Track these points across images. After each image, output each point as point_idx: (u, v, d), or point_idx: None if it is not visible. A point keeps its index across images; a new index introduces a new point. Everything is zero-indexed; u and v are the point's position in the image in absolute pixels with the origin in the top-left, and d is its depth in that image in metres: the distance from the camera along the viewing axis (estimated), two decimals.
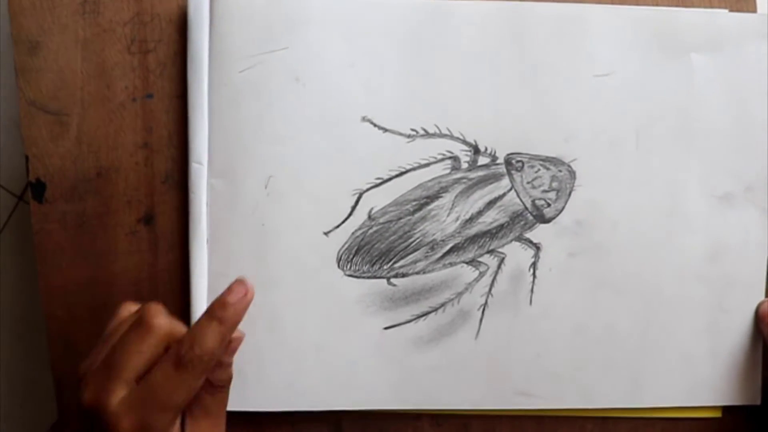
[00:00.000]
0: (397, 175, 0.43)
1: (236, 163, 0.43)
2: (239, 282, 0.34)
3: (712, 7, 0.45)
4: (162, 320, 0.33)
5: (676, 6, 0.45)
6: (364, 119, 0.43)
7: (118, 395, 0.32)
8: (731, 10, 0.45)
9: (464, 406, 0.44)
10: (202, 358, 0.32)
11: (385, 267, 0.43)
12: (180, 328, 0.34)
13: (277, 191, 0.43)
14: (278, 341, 0.43)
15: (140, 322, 0.33)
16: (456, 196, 0.43)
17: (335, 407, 0.44)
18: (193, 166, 0.43)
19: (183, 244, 0.44)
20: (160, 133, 0.44)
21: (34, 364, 0.48)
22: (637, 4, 0.45)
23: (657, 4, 0.45)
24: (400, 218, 0.43)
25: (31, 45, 0.43)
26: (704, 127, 0.44)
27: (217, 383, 0.36)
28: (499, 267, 0.44)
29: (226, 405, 0.37)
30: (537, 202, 0.44)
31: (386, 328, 0.44)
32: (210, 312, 0.33)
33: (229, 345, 0.35)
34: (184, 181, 0.44)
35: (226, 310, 0.33)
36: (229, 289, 0.34)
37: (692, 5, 0.45)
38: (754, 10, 0.45)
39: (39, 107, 0.43)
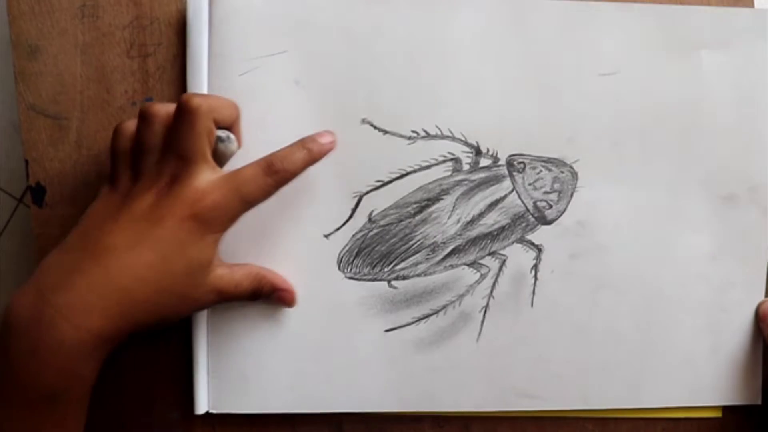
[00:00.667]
0: (397, 178, 0.43)
1: (236, 166, 0.41)
2: (328, 131, 0.40)
3: (710, 4, 0.45)
4: (200, 99, 0.37)
5: (680, 4, 0.44)
6: (364, 121, 0.43)
7: (207, 175, 0.37)
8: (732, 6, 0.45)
9: (465, 408, 0.44)
10: (286, 172, 0.38)
11: (385, 269, 0.43)
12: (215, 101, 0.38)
13: (277, 194, 0.41)
14: (279, 343, 0.43)
15: (186, 109, 0.36)
16: (457, 198, 0.43)
17: (336, 409, 0.44)
18: None
19: None
20: None
21: None
22: (643, 1, 0.44)
23: (663, 2, 0.44)
24: (401, 221, 0.43)
25: (31, 49, 0.43)
26: (710, 127, 0.44)
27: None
28: (500, 269, 0.44)
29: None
30: (539, 203, 0.43)
31: (387, 331, 0.43)
32: (302, 141, 0.39)
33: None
34: None
35: (314, 143, 0.39)
36: (320, 133, 0.40)
37: (698, 2, 0.45)
38: (751, 5, 0.45)
39: (39, 111, 0.43)
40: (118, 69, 0.43)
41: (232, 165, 0.40)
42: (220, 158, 0.40)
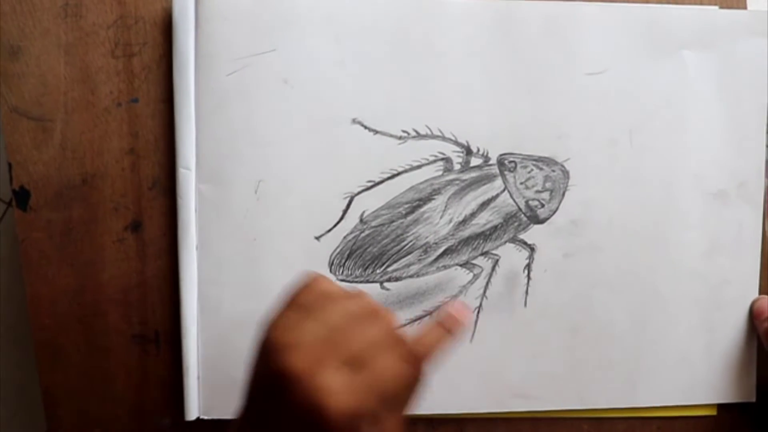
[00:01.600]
0: (388, 178, 0.43)
1: (225, 168, 0.42)
2: (467, 306, 0.39)
3: (702, 4, 0.45)
4: (393, 317, 0.32)
5: (667, 3, 0.45)
6: (354, 121, 0.42)
7: (334, 374, 0.29)
8: (721, 7, 0.45)
9: (460, 409, 0.44)
10: (427, 355, 0.32)
11: (378, 271, 0.43)
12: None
13: (267, 196, 0.42)
14: None
15: (374, 313, 0.31)
16: (449, 198, 0.43)
17: None
18: (181, 172, 0.42)
19: (172, 251, 0.43)
20: (146, 138, 0.43)
21: (25, 372, 0.47)
22: (628, 1, 0.44)
23: (648, 2, 0.45)
24: (393, 221, 0.43)
25: (12, 50, 0.42)
26: (698, 124, 0.44)
27: None
28: (493, 269, 0.44)
29: None
30: (531, 202, 0.43)
31: None
32: (442, 321, 0.34)
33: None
34: (172, 186, 0.43)
35: (456, 325, 0.34)
36: (460, 309, 0.35)
37: (683, 2, 0.45)
38: (744, 7, 0.45)
39: (21, 113, 0.42)
40: (102, 69, 0.43)
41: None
42: None
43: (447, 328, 0.34)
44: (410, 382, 0.31)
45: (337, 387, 0.28)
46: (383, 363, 0.30)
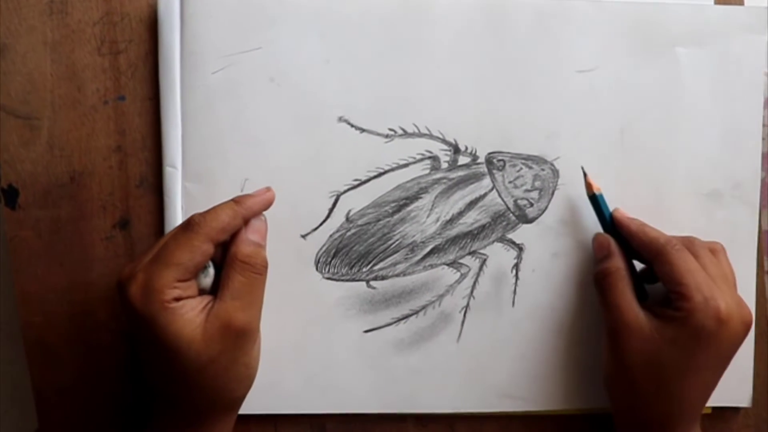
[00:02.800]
0: (375, 176, 0.42)
1: (211, 167, 0.42)
2: (265, 188, 0.39)
3: None
4: (210, 221, 0.36)
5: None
6: (340, 119, 0.42)
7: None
8: (717, 3, 0.44)
9: (447, 409, 0.44)
10: (207, 223, 0.36)
11: (364, 269, 0.43)
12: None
13: None
14: (261, 340, 0.41)
15: (188, 222, 0.36)
16: (436, 197, 0.43)
17: (317, 410, 0.44)
18: (167, 170, 0.42)
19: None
20: (133, 136, 0.43)
21: (15, 370, 0.48)
22: None
23: None
24: (379, 220, 0.43)
25: None
26: (691, 123, 0.44)
27: (245, 260, 0.37)
28: (480, 268, 0.43)
29: (258, 292, 0.38)
30: (519, 201, 0.43)
31: (366, 332, 0.43)
32: (232, 199, 0.38)
33: (248, 224, 0.38)
34: (159, 184, 0.43)
35: (245, 197, 0.38)
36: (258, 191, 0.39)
37: None
38: (741, 3, 0.44)
39: (8, 112, 0.42)
40: (89, 67, 0.43)
41: None
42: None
43: (235, 199, 0.38)
44: (194, 246, 0.36)
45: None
46: (167, 237, 0.37)
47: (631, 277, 0.40)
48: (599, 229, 0.42)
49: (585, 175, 0.41)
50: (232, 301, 0.36)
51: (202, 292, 0.37)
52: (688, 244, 0.40)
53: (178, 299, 0.35)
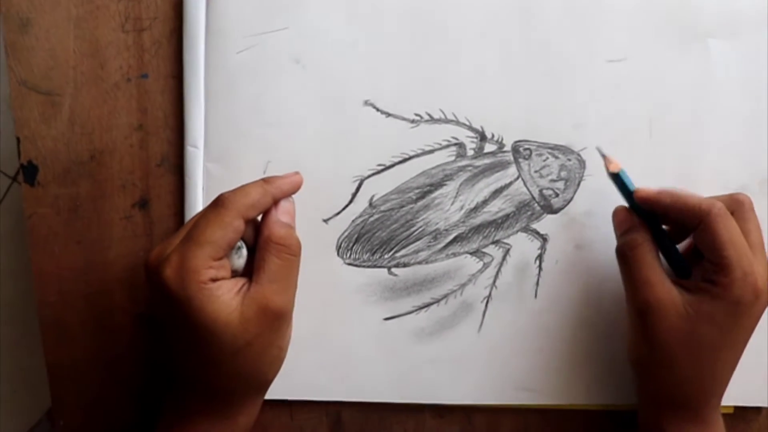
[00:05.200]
0: (399, 162, 0.42)
1: (233, 148, 0.42)
2: (293, 171, 0.39)
3: None
4: (239, 198, 0.35)
5: None
6: (366, 103, 0.42)
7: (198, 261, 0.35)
8: None
9: (465, 401, 0.43)
10: (238, 199, 0.35)
11: (386, 256, 0.42)
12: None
13: None
14: None
15: (217, 200, 0.36)
16: (461, 185, 0.42)
17: (333, 397, 0.43)
18: (189, 150, 0.42)
19: (179, 229, 0.42)
20: (155, 114, 0.43)
21: (27, 350, 0.47)
22: None
23: None
24: (403, 206, 0.42)
25: (22, 22, 0.41)
26: (720, 116, 0.43)
27: (280, 241, 0.36)
28: (504, 258, 0.43)
29: (294, 274, 0.37)
30: (545, 191, 0.42)
31: (386, 319, 0.43)
32: (262, 178, 0.38)
33: (278, 205, 0.37)
34: (180, 164, 0.42)
35: (274, 177, 0.38)
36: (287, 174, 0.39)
37: None
38: None
39: (30, 87, 0.42)
40: (112, 44, 0.42)
41: None
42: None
43: (264, 179, 0.37)
44: (225, 223, 0.35)
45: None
46: (198, 215, 0.37)
47: (657, 252, 0.38)
48: None
49: (603, 155, 0.39)
50: (270, 284, 0.36)
51: (234, 273, 0.37)
52: (735, 205, 0.38)
53: (214, 280, 0.35)
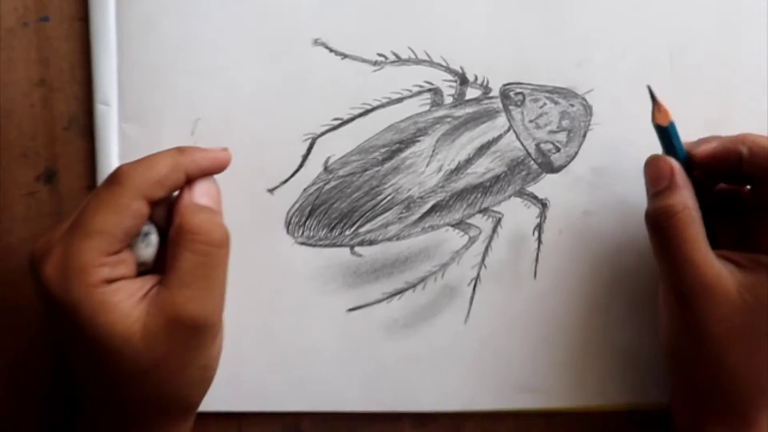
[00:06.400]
0: (360, 115, 0.38)
1: (153, 103, 0.37)
2: (220, 147, 0.33)
3: None
4: (142, 171, 0.30)
5: None
6: (316, 42, 0.37)
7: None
8: None
9: (452, 407, 0.39)
10: (139, 173, 0.30)
11: (347, 232, 0.38)
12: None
13: (207, 137, 0.37)
14: None
15: (113, 175, 0.30)
16: (438, 140, 0.38)
17: (290, 407, 0.39)
18: (100, 108, 0.37)
19: None
20: (59, 66, 0.38)
21: None
22: None
23: None
24: (366, 170, 0.38)
25: None
26: (754, 49, 0.39)
27: (196, 230, 0.31)
28: (494, 230, 0.39)
29: (217, 274, 0.31)
30: (543, 145, 0.38)
31: (351, 310, 0.39)
32: (175, 147, 0.32)
33: (194, 185, 0.32)
34: (92, 126, 0.38)
35: (192, 148, 0.32)
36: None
37: None
38: None
39: None
40: None
41: None
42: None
43: (178, 148, 0.32)
44: (121, 207, 0.30)
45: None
46: (88, 197, 0.31)
47: (701, 223, 0.33)
48: (642, 177, 0.36)
49: (654, 98, 0.34)
50: (182, 288, 0.30)
51: (141, 267, 0.31)
52: None
53: (109, 281, 0.29)
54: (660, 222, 0.32)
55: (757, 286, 0.31)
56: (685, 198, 0.32)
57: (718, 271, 0.31)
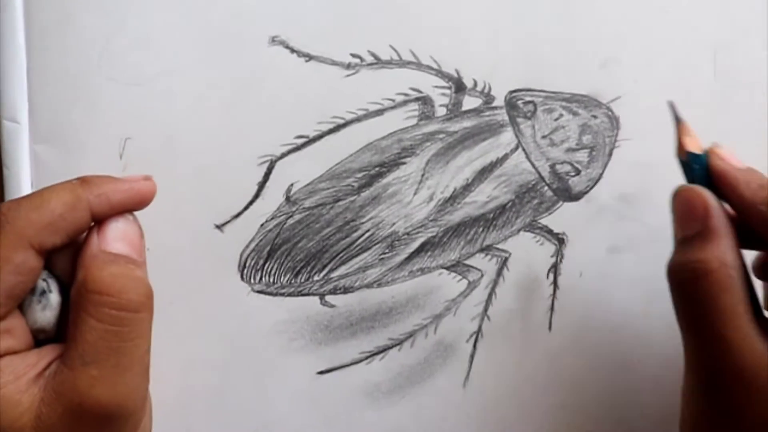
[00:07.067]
0: (330, 131, 0.33)
1: (72, 119, 0.32)
2: (142, 175, 0.29)
3: None
4: (27, 212, 0.25)
5: None
6: (274, 41, 0.33)
7: None
8: None
9: None
10: (23, 215, 0.25)
11: (316, 278, 0.33)
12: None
13: (140, 161, 0.32)
14: (158, 390, 0.32)
15: None
16: (428, 162, 0.34)
17: None
18: (6, 126, 0.32)
19: None
20: None
21: None
22: None
23: None
24: (338, 200, 0.33)
25: None
26: None
27: (104, 291, 0.26)
28: (499, 273, 0.35)
29: (133, 346, 0.26)
30: (559, 167, 0.35)
31: (322, 373, 0.34)
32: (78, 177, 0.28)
33: (104, 227, 0.27)
34: None
35: (98, 177, 0.27)
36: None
37: None
38: None
39: None
40: None
41: None
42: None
43: (82, 178, 0.27)
44: (7, 258, 0.25)
45: None
46: None
47: (746, 284, 0.26)
48: None
49: (678, 119, 0.29)
50: (85, 366, 0.25)
51: (41, 335, 0.26)
52: None
53: None
54: (686, 282, 0.26)
55: None
56: (723, 251, 0.26)
57: (761, 354, 0.25)
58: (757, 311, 0.26)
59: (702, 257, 0.26)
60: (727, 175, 0.27)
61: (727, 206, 0.26)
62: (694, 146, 0.28)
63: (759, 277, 0.29)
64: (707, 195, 0.27)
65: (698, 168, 0.28)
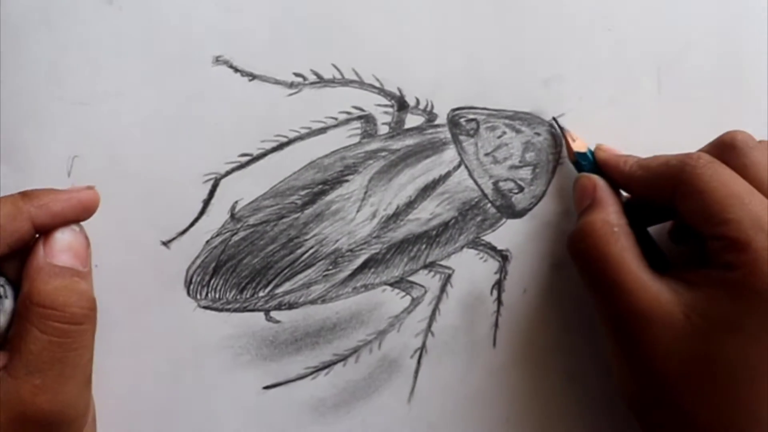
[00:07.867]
0: (273, 149, 0.33)
1: (21, 138, 0.32)
2: (85, 185, 0.29)
3: None
4: None
5: None
6: (217, 60, 0.32)
7: None
8: None
9: None
10: None
11: (261, 294, 0.33)
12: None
13: (87, 178, 0.31)
14: (105, 405, 0.32)
15: None
16: (371, 180, 0.33)
17: None
18: None
19: None
20: None
21: None
22: None
23: None
24: (282, 217, 0.33)
25: None
26: (757, 65, 0.37)
27: (47, 303, 0.26)
28: (443, 290, 0.34)
29: (75, 356, 0.27)
30: (502, 184, 0.34)
31: (267, 388, 0.33)
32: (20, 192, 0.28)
33: (49, 239, 0.27)
34: None
35: (41, 191, 0.27)
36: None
37: None
38: None
39: None
40: None
41: None
42: None
43: (24, 192, 0.27)
44: None
45: None
46: None
47: (635, 240, 0.30)
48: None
49: (562, 130, 0.33)
50: (29, 376, 0.25)
51: None
52: (724, 148, 0.30)
53: None
54: (577, 242, 0.30)
55: (706, 304, 0.27)
56: (606, 214, 0.30)
57: (655, 294, 0.28)
58: (654, 262, 0.29)
59: (589, 220, 0.30)
60: (609, 160, 0.32)
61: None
62: (580, 147, 0.33)
63: (675, 241, 0.33)
64: (596, 177, 0.32)
65: (587, 164, 0.32)
